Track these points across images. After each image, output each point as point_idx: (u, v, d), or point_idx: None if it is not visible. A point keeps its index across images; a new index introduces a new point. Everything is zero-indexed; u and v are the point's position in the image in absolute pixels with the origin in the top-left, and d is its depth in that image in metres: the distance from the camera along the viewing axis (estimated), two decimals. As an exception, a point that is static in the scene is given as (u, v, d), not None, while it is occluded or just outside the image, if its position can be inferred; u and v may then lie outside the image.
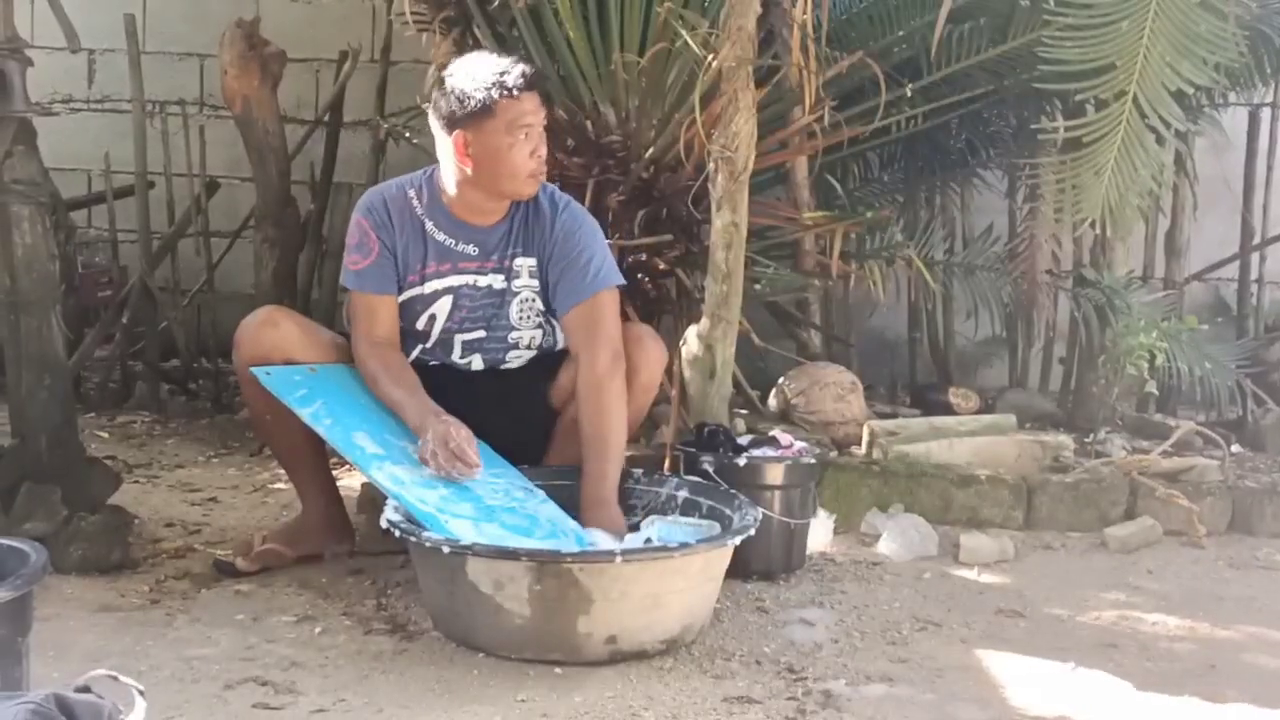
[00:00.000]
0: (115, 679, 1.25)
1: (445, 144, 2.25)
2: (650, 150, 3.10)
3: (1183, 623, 2.23)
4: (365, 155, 3.87)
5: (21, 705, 1.15)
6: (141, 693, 1.24)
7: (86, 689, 1.21)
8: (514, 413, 2.29)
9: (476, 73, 2.22)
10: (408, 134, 3.75)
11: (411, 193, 2.33)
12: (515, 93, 2.19)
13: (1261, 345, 3.59)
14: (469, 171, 2.23)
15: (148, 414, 3.69)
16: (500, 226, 2.32)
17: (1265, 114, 3.70)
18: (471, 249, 2.32)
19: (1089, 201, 2.75)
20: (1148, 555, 2.62)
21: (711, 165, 2.65)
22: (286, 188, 3.61)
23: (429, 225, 2.31)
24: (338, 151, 3.86)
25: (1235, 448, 3.12)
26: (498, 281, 2.33)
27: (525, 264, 2.34)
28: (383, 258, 2.28)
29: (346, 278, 2.33)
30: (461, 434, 2.12)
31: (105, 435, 3.44)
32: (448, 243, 2.31)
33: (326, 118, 3.88)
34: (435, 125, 2.28)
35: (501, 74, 2.20)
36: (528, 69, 2.24)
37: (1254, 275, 3.78)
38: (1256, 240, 3.75)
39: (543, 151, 2.26)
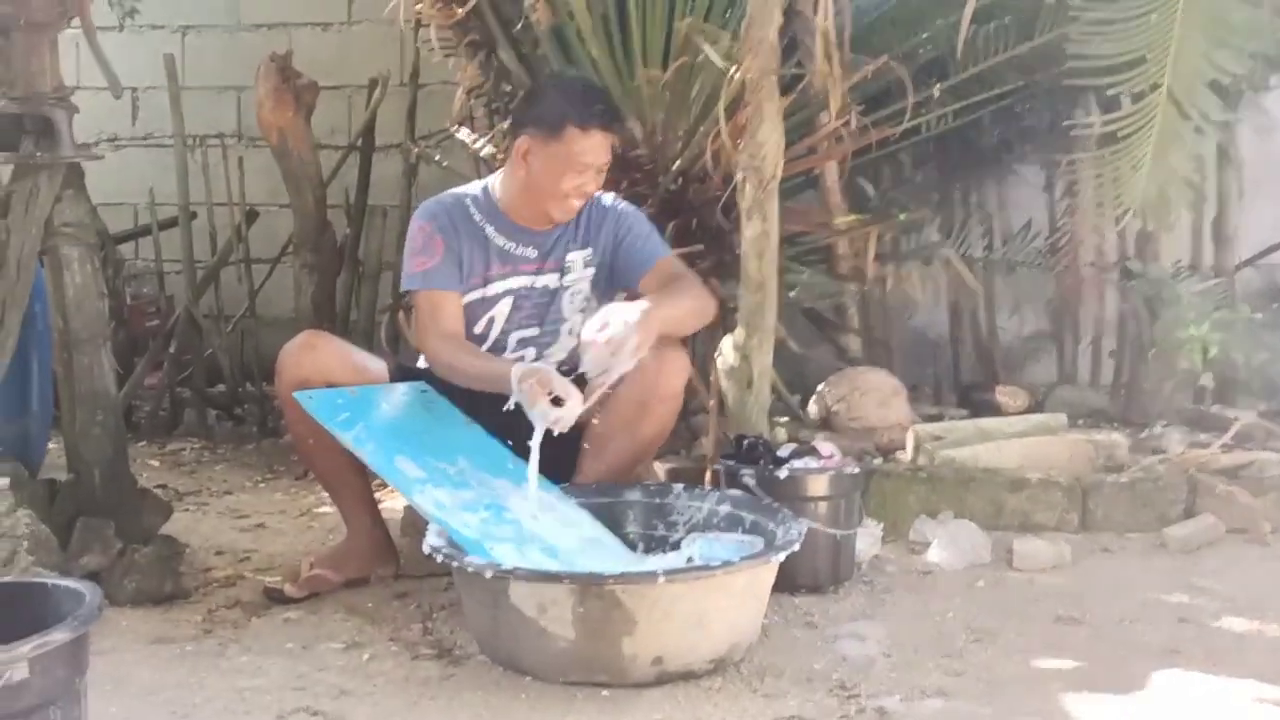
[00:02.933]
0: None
1: (514, 142, 2.36)
2: (677, 163, 3.07)
3: (1250, 624, 2.12)
4: (397, 178, 3.91)
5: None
6: None
7: None
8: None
9: (563, 93, 2.34)
10: (438, 156, 3.79)
11: (468, 201, 2.40)
12: (584, 129, 2.27)
13: (1321, 332, 3.46)
14: (521, 175, 2.33)
15: (196, 440, 3.75)
16: (557, 229, 2.40)
17: (1311, 94, 3.57)
18: (531, 251, 2.39)
19: (1128, 195, 2.66)
20: (1210, 555, 2.52)
21: (739, 175, 2.62)
22: (323, 214, 3.65)
23: (489, 230, 2.38)
24: (371, 176, 3.89)
25: (1300, 438, 2.99)
26: (553, 281, 2.41)
27: (579, 256, 2.42)
28: (449, 257, 2.33)
29: (411, 281, 2.34)
30: (544, 380, 2.10)
31: (156, 464, 3.48)
32: (508, 247, 2.38)
33: (359, 144, 3.91)
34: (514, 119, 2.42)
35: (581, 104, 2.29)
36: (607, 109, 2.33)
37: (1309, 259, 3.66)
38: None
39: (590, 189, 2.34)
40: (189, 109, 3.94)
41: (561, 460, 2.30)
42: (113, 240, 3.94)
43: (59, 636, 1.39)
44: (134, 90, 4.32)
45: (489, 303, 2.37)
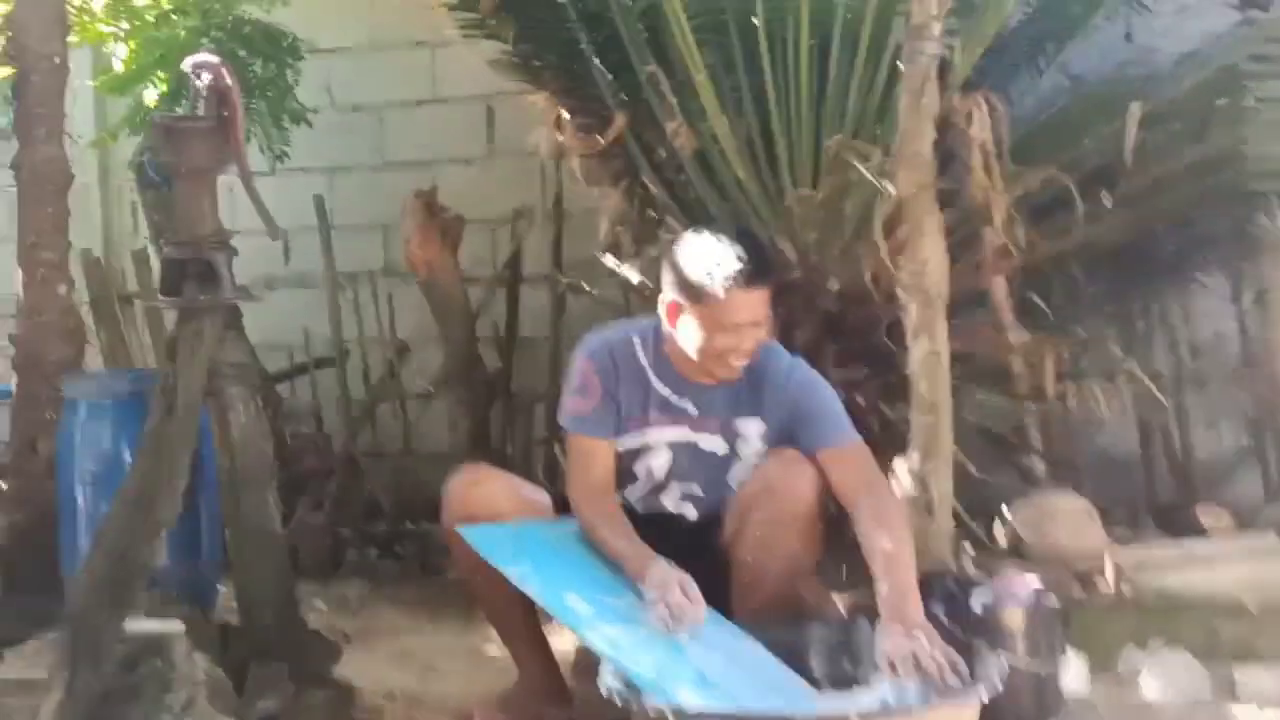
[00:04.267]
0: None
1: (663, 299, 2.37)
2: (835, 283, 3.19)
3: None
4: (545, 309, 4.11)
5: None
6: None
7: None
8: (700, 559, 2.31)
9: (699, 257, 2.29)
10: (584, 285, 3.92)
11: (637, 340, 2.43)
12: (723, 294, 2.25)
13: None
14: (674, 333, 2.35)
15: (360, 580, 3.84)
16: (722, 388, 2.39)
17: None
18: (690, 406, 2.40)
19: None
20: None
21: (903, 294, 2.71)
22: (473, 347, 3.89)
23: (652, 376, 2.41)
24: (519, 308, 4.11)
25: None
26: (721, 448, 2.41)
27: (753, 427, 2.41)
28: (605, 403, 2.37)
29: (566, 420, 2.42)
30: (681, 584, 2.15)
31: (322, 606, 3.58)
32: (669, 396, 2.41)
33: (506, 275, 4.15)
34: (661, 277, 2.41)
35: (718, 268, 2.26)
36: (750, 267, 2.26)
37: None
38: None
39: (748, 346, 2.31)
40: (338, 248, 4.25)
41: (720, 594, 2.31)
42: (270, 380, 4.18)
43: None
44: (285, 232, 4.78)
45: (649, 452, 2.42)
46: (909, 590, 2.15)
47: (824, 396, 2.40)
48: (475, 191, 4.37)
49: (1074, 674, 2.49)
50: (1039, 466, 3.34)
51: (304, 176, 4.57)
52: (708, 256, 2.28)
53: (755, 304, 2.28)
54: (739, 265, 2.26)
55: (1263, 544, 2.92)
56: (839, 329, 3.21)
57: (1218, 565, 2.77)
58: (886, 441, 3.08)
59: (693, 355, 2.33)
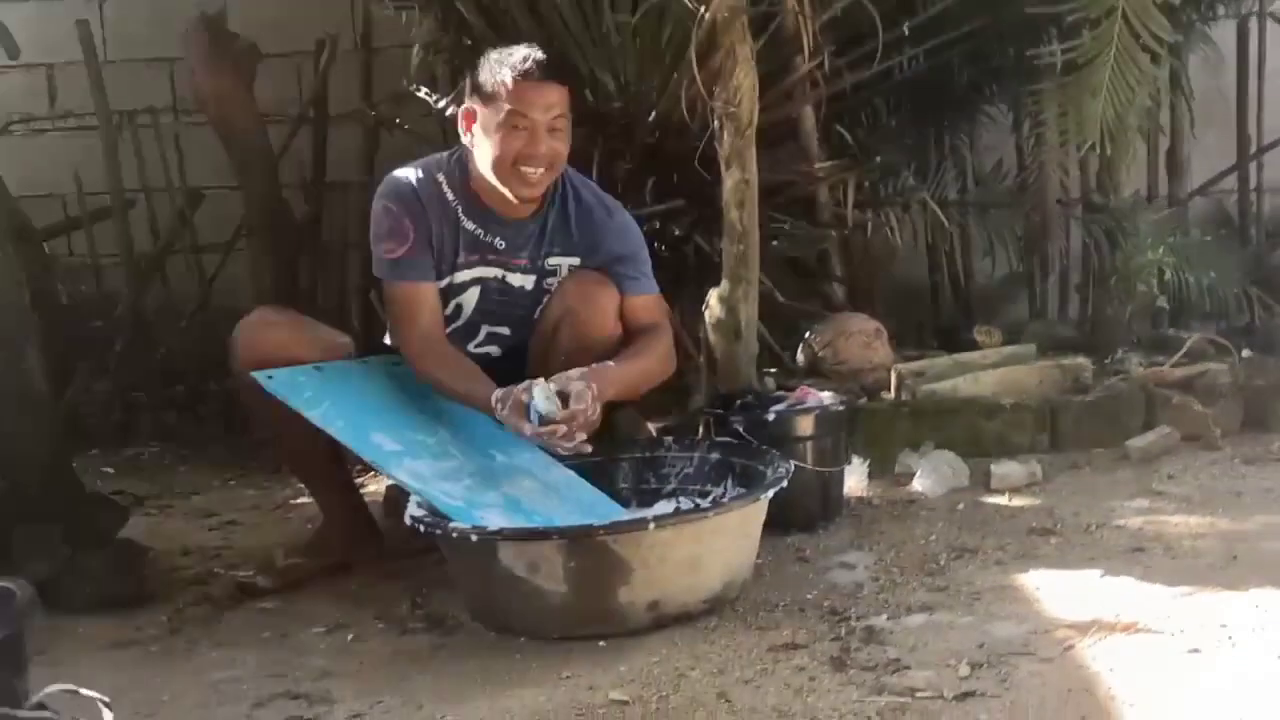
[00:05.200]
0: (77, 693, 1.40)
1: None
2: (653, 114, 3.44)
3: (1204, 520, 2.66)
4: (357, 149, 4.21)
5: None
6: (107, 704, 1.40)
7: (42, 706, 1.37)
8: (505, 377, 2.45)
9: (498, 54, 2.46)
10: (398, 120, 4.05)
11: (440, 176, 2.51)
12: (512, 82, 2.39)
13: (1264, 252, 4.17)
14: (470, 146, 2.48)
15: (155, 444, 3.96)
16: (532, 223, 2.53)
17: (1253, 24, 4.19)
18: (499, 241, 2.53)
19: (1088, 124, 3.24)
20: (1168, 462, 3.13)
21: (716, 123, 2.98)
22: (276, 192, 3.97)
23: (460, 211, 2.50)
24: (327, 148, 4.20)
25: (1245, 352, 3.63)
26: (529, 282, 2.56)
27: (564, 263, 2.56)
28: (419, 243, 2.45)
29: (380, 268, 2.49)
30: (522, 399, 2.30)
31: (111, 470, 3.69)
32: (477, 232, 2.51)
33: (311, 114, 4.21)
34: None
35: (509, 58, 2.41)
36: (541, 58, 2.42)
37: (1253, 185, 4.31)
38: (1253, 150, 4.26)
39: (540, 151, 2.41)
40: (115, 84, 4.17)
41: None
42: (39, 234, 4.12)
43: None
44: (49, 66, 4.48)
45: (456, 290, 2.53)
46: (616, 375, 2.38)
47: (640, 243, 2.61)
48: (274, 18, 4.29)
49: (856, 475, 3.01)
50: (839, 293, 3.80)
51: (69, 1, 4.38)
52: (505, 53, 2.44)
53: (547, 97, 2.40)
54: (532, 56, 2.41)
55: (1019, 352, 3.53)
56: (658, 161, 3.49)
57: (981, 372, 3.35)
58: (703, 273, 3.45)
59: (490, 171, 2.42)
